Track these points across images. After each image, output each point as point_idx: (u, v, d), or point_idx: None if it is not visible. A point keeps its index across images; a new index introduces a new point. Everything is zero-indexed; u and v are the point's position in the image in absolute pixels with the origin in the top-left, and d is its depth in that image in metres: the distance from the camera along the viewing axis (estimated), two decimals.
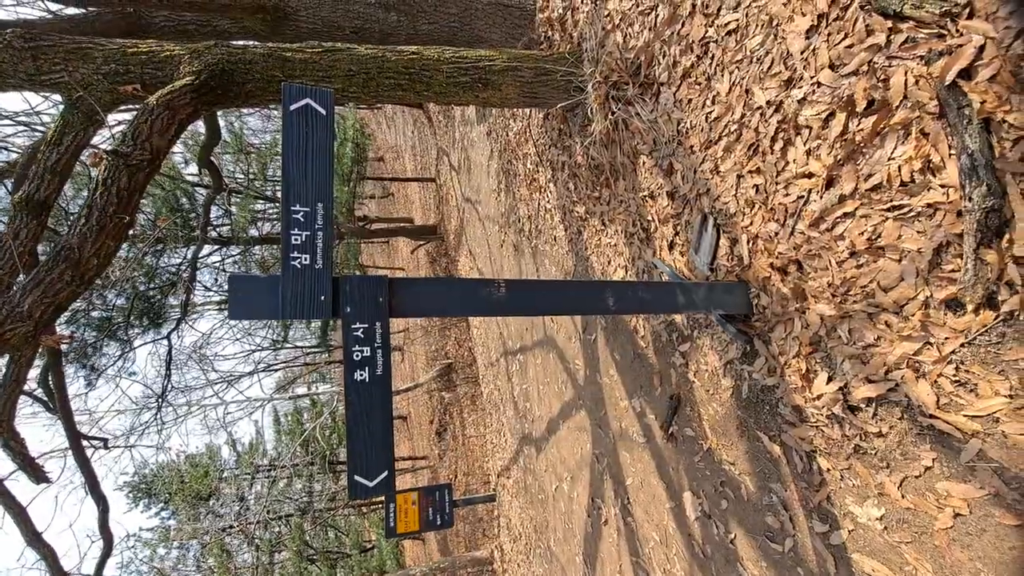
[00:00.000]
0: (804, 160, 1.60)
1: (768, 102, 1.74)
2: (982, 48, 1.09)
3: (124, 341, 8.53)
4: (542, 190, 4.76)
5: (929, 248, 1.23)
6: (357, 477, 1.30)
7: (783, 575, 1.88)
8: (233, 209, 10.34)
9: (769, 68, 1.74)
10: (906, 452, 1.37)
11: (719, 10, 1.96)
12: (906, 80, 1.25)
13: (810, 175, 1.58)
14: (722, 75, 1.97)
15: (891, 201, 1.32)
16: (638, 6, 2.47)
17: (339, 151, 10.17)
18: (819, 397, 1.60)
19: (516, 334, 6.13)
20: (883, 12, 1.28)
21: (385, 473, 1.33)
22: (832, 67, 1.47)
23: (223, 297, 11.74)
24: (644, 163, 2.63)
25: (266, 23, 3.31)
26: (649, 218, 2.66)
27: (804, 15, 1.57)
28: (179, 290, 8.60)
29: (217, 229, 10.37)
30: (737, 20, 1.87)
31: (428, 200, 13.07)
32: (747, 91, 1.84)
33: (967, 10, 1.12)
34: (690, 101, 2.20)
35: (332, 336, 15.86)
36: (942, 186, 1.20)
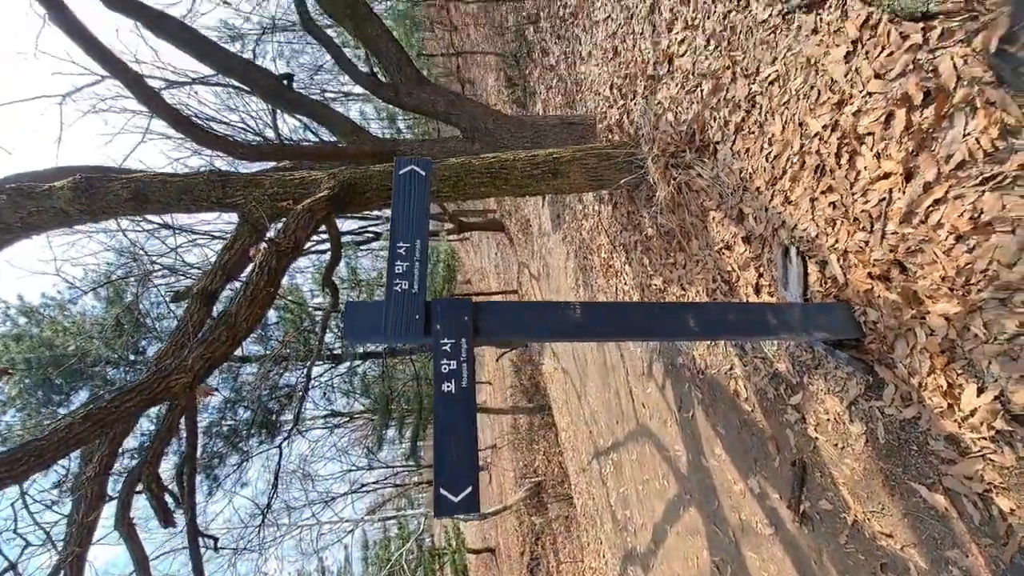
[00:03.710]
0: (875, 164, 1.59)
1: (824, 126, 1.80)
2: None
3: (243, 452, 9.40)
4: (618, 274, 4.88)
5: None
6: (443, 491, 1.30)
7: None
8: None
9: (817, 98, 1.84)
10: None
11: (758, 68, 2.18)
12: (954, 63, 1.28)
13: (886, 175, 1.55)
14: (773, 119, 2.10)
15: (981, 174, 1.24)
16: (684, 88, 2.80)
17: (432, 269, 11.43)
18: (973, 414, 1.32)
19: (607, 429, 5.73)
20: (912, 17, 1.38)
21: (469, 489, 1.32)
22: (878, 76, 1.54)
23: (328, 412, 12.67)
24: (713, 217, 2.69)
25: (380, 161, 4.22)
26: (728, 269, 2.62)
27: (839, 46, 1.71)
28: (294, 402, 9.56)
29: (331, 348, 11.70)
30: (776, 71, 2.06)
31: None
32: (800, 124, 1.94)
33: None
34: (747, 150, 2.32)
35: (421, 452, 15.85)
36: None
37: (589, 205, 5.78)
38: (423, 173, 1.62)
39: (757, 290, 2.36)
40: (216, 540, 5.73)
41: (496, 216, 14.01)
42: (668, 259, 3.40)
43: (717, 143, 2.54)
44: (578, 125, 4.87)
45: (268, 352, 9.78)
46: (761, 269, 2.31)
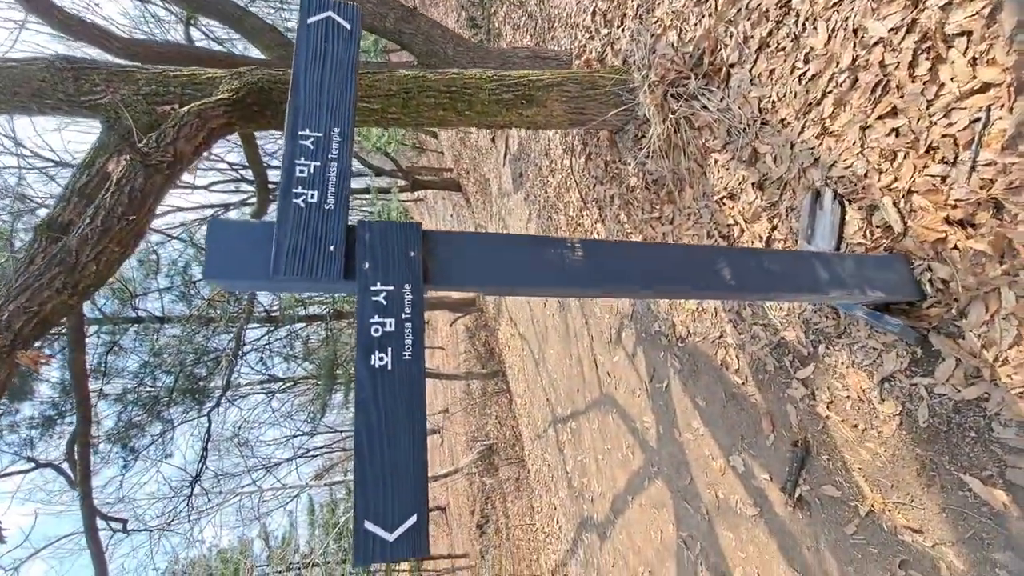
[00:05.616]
0: (969, 73, 1.19)
1: (892, 29, 1.38)
2: None
3: (166, 421, 8.45)
4: (588, 234, 4.46)
5: None
6: (369, 525, 0.82)
7: None
8: None
9: None
10: None
11: None
12: None
13: (985, 87, 1.16)
14: (815, 27, 1.67)
15: None
16: None
17: None
18: None
19: (566, 397, 5.48)
20: None
21: (413, 519, 0.85)
22: None
23: (266, 377, 11.76)
24: (716, 160, 2.28)
25: None
26: (730, 222, 2.24)
27: None
28: (223, 367, 8.64)
29: (268, 310, 10.65)
30: None
31: None
32: (855, 31, 1.51)
33: None
34: (772, 72, 1.88)
35: None
36: None
37: (556, 159, 5.26)
38: (347, 25, 1.04)
39: (768, 245, 2.00)
40: (125, 522, 5.01)
41: (453, 175, 13.16)
42: (652, 213, 3.00)
43: (732, 66, 2.09)
44: (551, 60, 4.27)
45: (193, 312, 8.70)
46: (776, 220, 1.94)
